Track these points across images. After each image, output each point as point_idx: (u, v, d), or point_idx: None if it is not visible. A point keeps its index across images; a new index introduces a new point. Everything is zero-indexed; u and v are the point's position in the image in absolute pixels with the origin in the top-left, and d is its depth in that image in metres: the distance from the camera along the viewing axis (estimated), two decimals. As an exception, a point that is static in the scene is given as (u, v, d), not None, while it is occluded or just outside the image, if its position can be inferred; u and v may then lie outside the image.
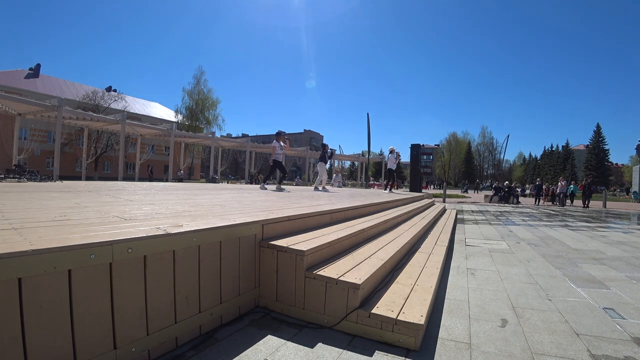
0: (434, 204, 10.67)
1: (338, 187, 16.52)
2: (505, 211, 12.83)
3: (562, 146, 75.52)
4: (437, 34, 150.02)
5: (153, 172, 31.07)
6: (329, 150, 9.59)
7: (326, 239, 2.52)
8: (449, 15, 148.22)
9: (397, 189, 11.31)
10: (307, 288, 2.09)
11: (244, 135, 73.24)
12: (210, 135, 29.67)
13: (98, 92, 36.68)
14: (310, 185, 19.99)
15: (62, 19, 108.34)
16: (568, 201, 18.46)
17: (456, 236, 5.88)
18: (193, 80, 40.46)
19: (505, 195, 19.22)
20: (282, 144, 8.23)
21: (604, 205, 17.71)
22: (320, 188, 9.50)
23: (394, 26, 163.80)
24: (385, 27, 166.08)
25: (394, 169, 10.75)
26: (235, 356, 1.64)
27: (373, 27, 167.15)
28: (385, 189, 11.13)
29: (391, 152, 10.74)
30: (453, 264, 3.78)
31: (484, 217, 9.93)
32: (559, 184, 18.21)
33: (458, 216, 9.80)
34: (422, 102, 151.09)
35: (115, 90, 40.99)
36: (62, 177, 13.48)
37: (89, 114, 20.81)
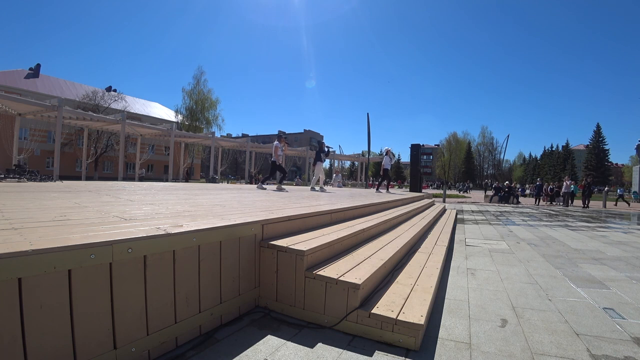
0: (434, 204, 10.66)
1: (338, 187, 16.52)
2: (505, 211, 12.83)
3: (562, 146, 75.61)
4: (437, 34, 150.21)
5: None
6: (325, 149, 9.60)
7: (326, 239, 2.51)
8: (449, 15, 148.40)
9: (387, 189, 11.42)
10: (307, 288, 2.09)
11: (244, 135, 73.24)
12: (210, 136, 29.68)
13: (98, 92, 36.62)
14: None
15: (62, 19, 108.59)
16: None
17: (456, 236, 5.88)
18: (193, 80, 40.58)
19: (505, 195, 19.22)
20: (282, 146, 8.44)
21: (604, 205, 17.71)
22: (317, 188, 9.47)
23: (394, 26, 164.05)
24: (385, 27, 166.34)
25: (388, 168, 10.84)
26: (235, 356, 1.64)
27: (373, 27, 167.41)
28: (377, 189, 11.19)
29: (387, 153, 10.92)
30: (453, 264, 3.78)
31: (484, 217, 9.93)
32: (564, 183, 18.13)
33: (458, 216, 9.80)
34: (422, 102, 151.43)
35: (115, 90, 40.94)
36: (62, 177, 13.47)
37: (89, 114, 20.82)
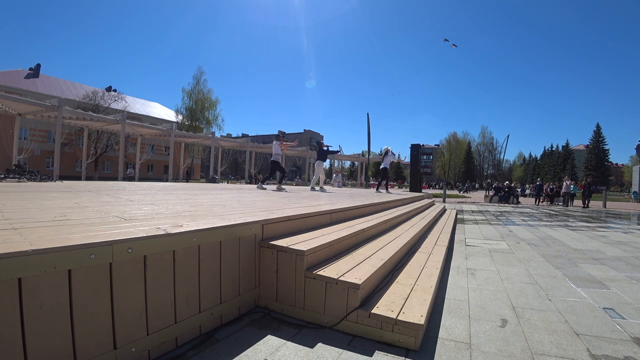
0: (434, 204, 10.66)
1: (338, 187, 16.52)
2: (505, 211, 12.83)
3: (562, 146, 75.60)
4: (437, 34, 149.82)
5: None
6: (324, 148, 9.56)
7: (326, 239, 2.51)
8: (449, 15, 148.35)
9: (387, 189, 11.42)
10: (307, 288, 2.09)
11: (244, 135, 73.23)
12: (210, 136, 29.68)
13: (98, 92, 36.62)
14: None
15: (62, 19, 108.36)
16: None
17: (456, 236, 5.88)
18: (193, 80, 40.57)
19: (505, 195, 19.22)
20: (280, 145, 8.45)
21: (604, 205, 17.71)
22: (317, 188, 9.46)
23: (394, 26, 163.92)
24: (385, 27, 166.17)
25: (387, 167, 10.79)
26: (235, 356, 1.64)
27: (373, 27, 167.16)
28: (377, 189, 11.09)
29: (386, 153, 10.87)
30: (453, 264, 3.78)
31: (484, 217, 9.93)
32: (564, 183, 18.15)
33: (458, 216, 9.80)
34: (422, 102, 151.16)
35: (115, 90, 40.94)
36: (62, 177, 13.48)
37: (89, 114, 20.82)
